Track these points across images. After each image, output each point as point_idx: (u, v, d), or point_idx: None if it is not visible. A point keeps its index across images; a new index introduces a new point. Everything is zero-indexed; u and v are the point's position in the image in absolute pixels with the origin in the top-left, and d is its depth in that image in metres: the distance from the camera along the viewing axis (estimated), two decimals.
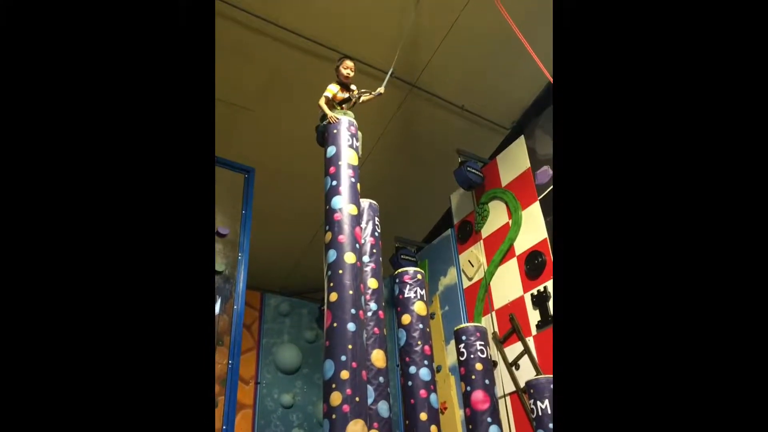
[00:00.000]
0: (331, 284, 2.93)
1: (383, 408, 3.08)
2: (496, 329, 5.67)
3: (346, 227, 3.07)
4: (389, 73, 4.17)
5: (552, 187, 5.48)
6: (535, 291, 5.33)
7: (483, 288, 6.00)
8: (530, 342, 5.24)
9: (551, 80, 5.02)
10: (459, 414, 5.86)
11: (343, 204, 3.15)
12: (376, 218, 3.76)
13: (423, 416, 3.41)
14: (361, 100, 3.82)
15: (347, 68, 3.74)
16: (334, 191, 3.21)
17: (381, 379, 3.16)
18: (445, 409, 5.98)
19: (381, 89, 3.91)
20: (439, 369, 6.17)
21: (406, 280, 3.91)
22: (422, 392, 3.49)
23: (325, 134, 3.51)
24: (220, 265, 4.95)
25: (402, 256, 6.75)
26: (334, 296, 2.88)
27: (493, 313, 5.80)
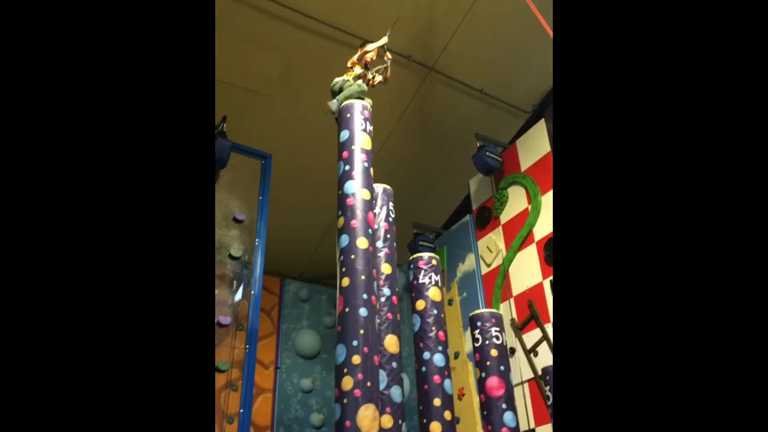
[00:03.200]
0: (344, 269, 2.92)
1: (396, 393, 3.07)
2: (515, 316, 5.62)
3: (359, 212, 3.05)
4: (388, 33, 3.99)
5: None
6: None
7: (501, 274, 5.94)
8: (549, 329, 5.18)
9: None
10: (477, 400, 5.85)
11: (356, 189, 3.13)
12: (390, 203, 3.74)
13: (437, 402, 3.40)
14: (377, 81, 3.74)
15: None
16: (347, 176, 3.18)
17: (394, 364, 3.16)
18: (463, 395, 5.97)
19: (388, 54, 3.80)
20: (457, 355, 6.14)
21: (421, 266, 3.88)
22: (436, 378, 3.47)
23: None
24: (237, 251, 4.99)
25: (420, 242, 6.71)
26: (346, 281, 2.87)
27: (512, 300, 5.74)
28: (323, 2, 5.39)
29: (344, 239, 2.99)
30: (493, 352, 3.88)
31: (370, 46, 3.70)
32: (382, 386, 2.97)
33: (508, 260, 5.90)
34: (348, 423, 2.51)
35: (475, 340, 4.06)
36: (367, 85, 3.66)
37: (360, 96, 3.51)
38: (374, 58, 3.76)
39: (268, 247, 5.03)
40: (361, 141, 3.31)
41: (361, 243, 2.96)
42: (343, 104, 3.48)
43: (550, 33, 4.29)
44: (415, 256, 4.02)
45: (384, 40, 3.75)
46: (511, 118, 6.70)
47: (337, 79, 3.66)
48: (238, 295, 4.87)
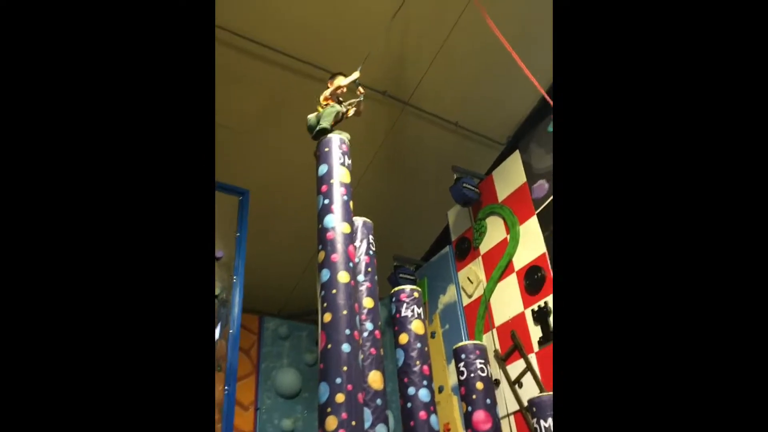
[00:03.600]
0: (325, 304, 2.87)
1: (381, 431, 2.99)
2: (498, 347, 5.58)
3: (339, 246, 3.02)
4: (359, 68, 4.00)
5: (549, 200, 5.44)
6: (535, 307, 5.25)
7: (483, 305, 5.92)
8: (533, 359, 5.15)
9: (544, 94, 5.01)
10: None
11: (335, 222, 3.10)
12: (371, 236, 3.71)
13: None
14: (350, 113, 3.75)
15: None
16: (327, 210, 3.16)
17: (379, 401, 3.08)
18: (449, 430, 5.85)
19: (360, 89, 3.80)
20: (441, 389, 6.05)
21: (403, 299, 3.84)
22: (422, 414, 3.39)
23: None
24: (215, 289, 4.88)
25: (400, 275, 6.68)
26: (327, 317, 2.82)
27: (494, 331, 5.71)
28: (299, 40, 5.46)
29: (325, 274, 2.95)
30: (479, 385, 3.83)
31: (342, 82, 3.72)
32: (367, 425, 2.89)
33: (489, 291, 5.89)
34: None
35: (459, 373, 4.00)
36: (342, 117, 3.67)
37: (338, 116, 3.53)
38: (345, 91, 3.78)
39: (247, 284, 4.93)
40: (340, 175, 3.30)
41: (343, 277, 2.92)
42: (321, 139, 3.48)
43: (523, 66, 4.40)
44: (396, 288, 3.99)
45: (356, 75, 3.77)
46: (487, 149, 6.80)
47: (310, 116, 3.67)
48: (216, 335, 4.74)
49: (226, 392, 4.36)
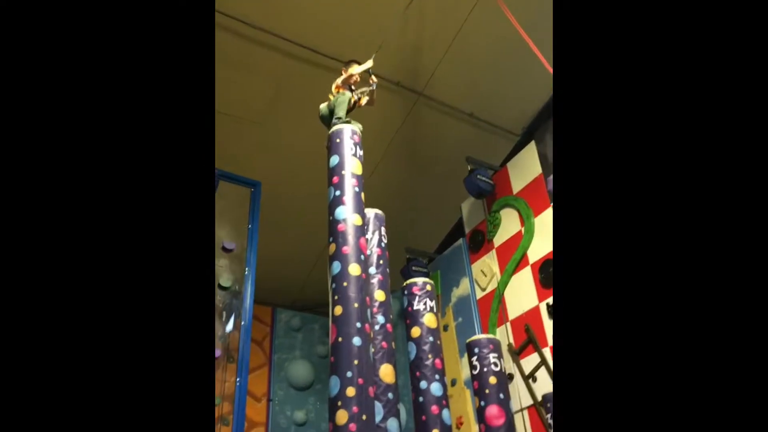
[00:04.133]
0: (336, 297, 2.83)
1: (393, 426, 2.95)
2: (512, 340, 5.52)
3: (351, 238, 2.98)
4: (373, 56, 3.94)
5: None
6: (550, 300, 5.18)
7: (497, 298, 5.85)
8: (547, 353, 5.08)
9: None
10: (476, 429, 5.69)
11: (347, 214, 3.06)
12: (383, 228, 3.66)
13: None
14: (363, 102, 3.68)
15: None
16: (338, 201, 3.12)
17: (390, 395, 3.05)
18: (461, 424, 5.81)
19: (373, 77, 3.74)
20: (454, 383, 6.01)
21: (415, 292, 3.79)
22: (434, 408, 3.35)
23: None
24: (227, 281, 4.87)
25: (413, 268, 6.62)
26: (338, 310, 2.78)
27: (508, 324, 5.65)
28: (311, 29, 5.40)
29: (336, 266, 2.91)
30: (492, 380, 3.77)
31: (355, 70, 3.66)
32: (378, 419, 2.85)
33: (503, 284, 5.82)
34: None
35: (472, 367, 3.95)
36: (354, 105, 3.62)
37: (350, 104, 3.50)
38: (358, 80, 3.73)
39: (259, 276, 4.92)
40: (352, 166, 3.25)
41: (354, 270, 2.87)
42: (332, 130, 3.43)
43: (540, 55, 4.30)
44: (409, 281, 3.94)
45: (369, 63, 3.71)
46: (502, 140, 6.70)
47: (322, 106, 3.63)
48: (229, 326, 4.74)
49: (238, 383, 4.36)
